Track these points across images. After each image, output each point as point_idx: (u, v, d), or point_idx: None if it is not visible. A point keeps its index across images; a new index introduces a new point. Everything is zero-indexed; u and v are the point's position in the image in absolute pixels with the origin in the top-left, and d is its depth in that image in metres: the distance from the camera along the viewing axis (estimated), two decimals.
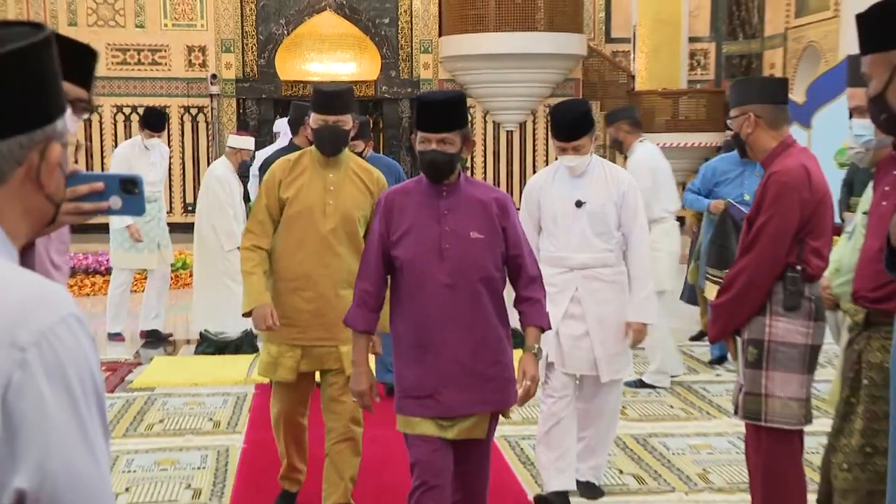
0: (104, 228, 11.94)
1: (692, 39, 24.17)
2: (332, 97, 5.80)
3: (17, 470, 1.76)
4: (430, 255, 4.58)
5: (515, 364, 4.76)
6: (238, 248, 6.38)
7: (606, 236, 6.07)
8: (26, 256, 2.02)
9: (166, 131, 21.87)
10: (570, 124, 6.01)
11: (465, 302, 4.59)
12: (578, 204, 6.06)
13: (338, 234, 5.69)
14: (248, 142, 11.29)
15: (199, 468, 7.35)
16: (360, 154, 7.95)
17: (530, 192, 6.31)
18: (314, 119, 5.75)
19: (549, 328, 4.91)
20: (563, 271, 6.06)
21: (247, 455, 7.59)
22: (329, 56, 23.12)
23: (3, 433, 1.75)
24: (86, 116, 3.58)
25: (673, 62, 23.77)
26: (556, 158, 6.30)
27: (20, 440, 1.76)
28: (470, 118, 20.71)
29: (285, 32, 22.81)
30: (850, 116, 4.93)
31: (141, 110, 21.86)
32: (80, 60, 3.38)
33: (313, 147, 5.91)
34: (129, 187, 2.75)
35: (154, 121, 11.87)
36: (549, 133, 6.71)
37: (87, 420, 1.83)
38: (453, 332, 4.58)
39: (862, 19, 3.28)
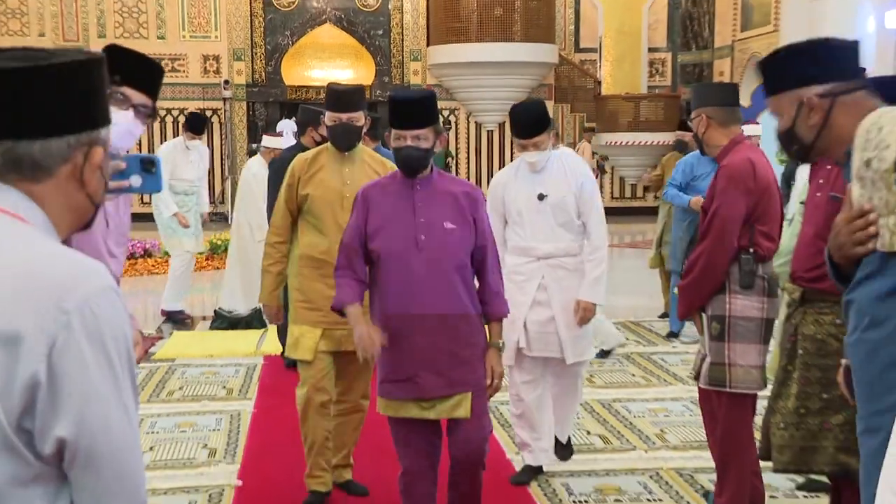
0: (137, 218, 11.94)
1: (651, 50, 24.27)
2: (344, 96, 5.56)
3: (58, 420, 1.80)
4: (407, 246, 4.32)
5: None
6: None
7: (569, 226, 5.80)
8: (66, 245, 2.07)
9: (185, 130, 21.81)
10: (529, 123, 5.75)
11: (441, 289, 4.32)
12: (541, 197, 5.78)
13: None
14: (279, 141, 11.26)
15: (214, 430, 7.41)
16: None
17: (495, 189, 5.99)
18: (329, 117, 5.50)
19: (508, 313, 4.73)
20: (529, 261, 5.82)
21: (257, 419, 7.65)
22: (329, 64, 23.11)
23: (47, 388, 1.78)
24: (149, 122, 3.64)
25: (634, 70, 23.90)
26: (516, 156, 6.10)
27: (62, 393, 1.80)
28: (454, 119, 20.80)
29: (290, 43, 22.86)
30: None
31: (162, 112, 21.99)
32: (146, 72, 3.53)
33: (329, 143, 5.65)
34: (148, 167, 2.79)
35: (196, 124, 12.01)
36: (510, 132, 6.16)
37: (121, 379, 1.88)
38: (430, 318, 4.32)
39: (765, 65, 3.27)
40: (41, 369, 1.78)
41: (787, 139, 3.24)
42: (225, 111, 22.53)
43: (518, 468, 6.25)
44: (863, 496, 3.23)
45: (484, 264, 4.47)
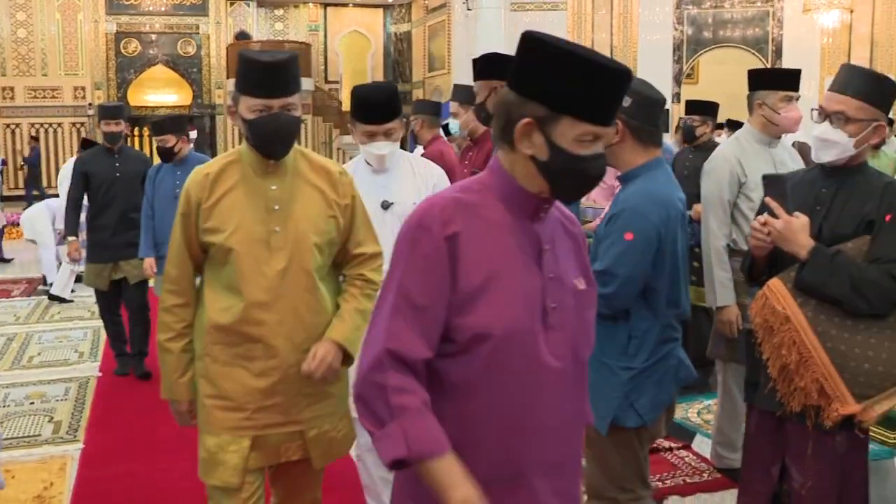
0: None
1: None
2: (272, 72, 2.13)
3: None
4: (530, 320, 1.40)
5: None
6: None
7: None
8: None
9: (65, 139, 20.31)
10: (380, 103, 3.19)
11: (574, 396, 1.49)
12: (385, 206, 3.08)
13: (291, 273, 2.23)
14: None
15: (83, 340, 6.86)
16: (172, 149, 5.13)
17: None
18: (247, 105, 2.16)
19: None
20: None
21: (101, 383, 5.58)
22: (161, 91, 21.88)
23: None
24: None
25: None
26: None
27: None
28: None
29: (134, 77, 21.51)
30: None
31: (45, 126, 20.32)
32: None
33: (243, 148, 2.26)
34: None
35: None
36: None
37: None
38: (559, 450, 1.47)
39: (475, 62, 3.42)
40: None
41: (480, 110, 3.41)
42: (89, 124, 21.09)
43: None
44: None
45: None
